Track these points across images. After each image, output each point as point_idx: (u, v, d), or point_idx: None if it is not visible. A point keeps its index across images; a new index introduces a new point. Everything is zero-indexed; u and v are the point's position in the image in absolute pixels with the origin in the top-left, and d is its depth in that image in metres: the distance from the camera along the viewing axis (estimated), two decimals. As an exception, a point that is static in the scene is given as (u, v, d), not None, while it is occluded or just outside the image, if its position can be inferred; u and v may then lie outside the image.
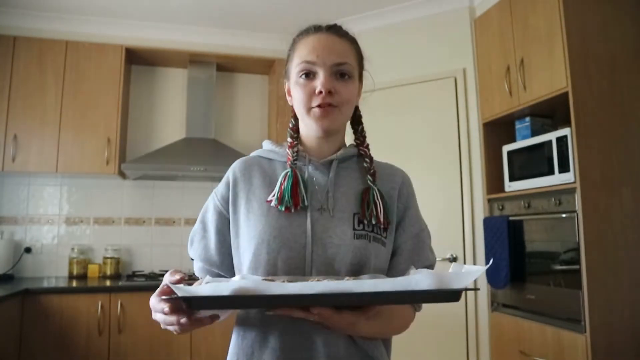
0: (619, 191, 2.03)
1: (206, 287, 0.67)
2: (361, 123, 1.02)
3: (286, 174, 0.89)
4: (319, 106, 0.88)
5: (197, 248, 0.96)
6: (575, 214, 1.98)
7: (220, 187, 0.97)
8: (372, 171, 0.94)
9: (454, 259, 2.72)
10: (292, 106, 0.97)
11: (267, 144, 1.01)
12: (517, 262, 2.32)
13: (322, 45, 0.90)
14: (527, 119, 2.42)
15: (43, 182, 3.19)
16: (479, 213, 2.68)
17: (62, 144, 2.91)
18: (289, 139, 0.96)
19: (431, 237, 0.97)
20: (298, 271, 0.84)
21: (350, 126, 1.02)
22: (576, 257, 1.97)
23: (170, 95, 3.47)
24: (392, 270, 0.90)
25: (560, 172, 2.09)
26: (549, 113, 2.40)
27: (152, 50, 3.21)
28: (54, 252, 3.15)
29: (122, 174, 3.09)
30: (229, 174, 0.97)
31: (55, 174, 3.03)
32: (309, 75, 0.90)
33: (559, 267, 2.11)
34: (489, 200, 2.60)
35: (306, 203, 0.87)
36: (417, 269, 0.84)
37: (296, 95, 0.91)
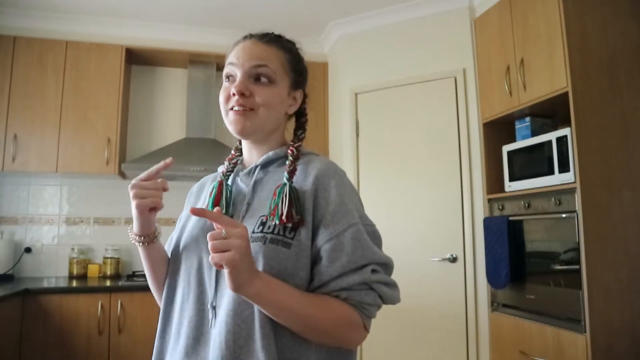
0: (619, 191, 2.03)
1: None
2: (304, 129, 1.00)
3: (213, 187, 0.95)
4: (235, 110, 0.90)
5: None
6: (575, 214, 1.98)
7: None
8: (291, 168, 0.90)
9: (454, 259, 2.72)
10: None
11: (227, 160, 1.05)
12: (517, 262, 2.32)
13: (245, 50, 0.92)
14: (527, 119, 2.42)
15: (43, 182, 3.19)
16: (479, 213, 2.68)
17: (62, 144, 2.91)
18: (232, 151, 1.03)
19: (373, 233, 0.88)
20: (205, 273, 0.88)
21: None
22: (576, 257, 1.97)
23: (170, 95, 3.47)
24: (318, 275, 0.83)
25: (560, 172, 2.09)
26: (549, 113, 2.40)
27: (152, 50, 3.21)
28: (54, 252, 3.15)
29: (122, 174, 3.09)
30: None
31: (55, 174, 3.03)
32: (230, 78, 0.93)
33: (559, 267, 2.11)
34: (489, 200, 2.60)
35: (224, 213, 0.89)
36: (338, 274, 0.81)
37: (219, 98, 0.93)
